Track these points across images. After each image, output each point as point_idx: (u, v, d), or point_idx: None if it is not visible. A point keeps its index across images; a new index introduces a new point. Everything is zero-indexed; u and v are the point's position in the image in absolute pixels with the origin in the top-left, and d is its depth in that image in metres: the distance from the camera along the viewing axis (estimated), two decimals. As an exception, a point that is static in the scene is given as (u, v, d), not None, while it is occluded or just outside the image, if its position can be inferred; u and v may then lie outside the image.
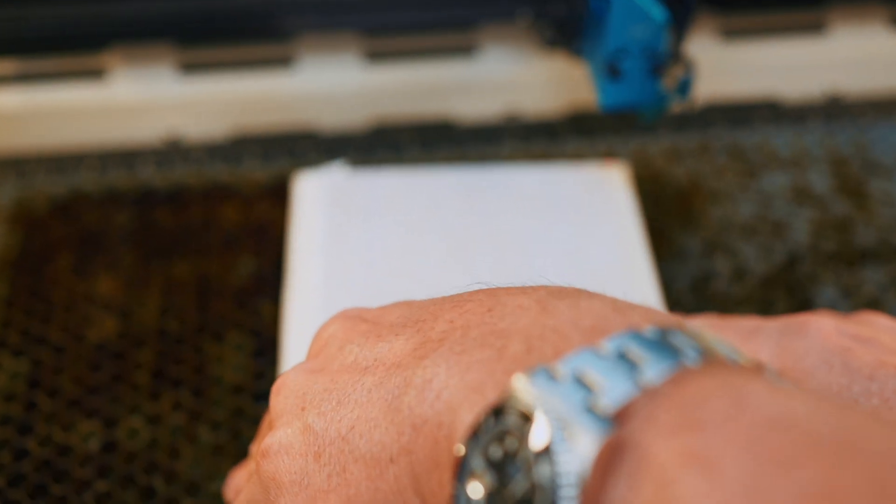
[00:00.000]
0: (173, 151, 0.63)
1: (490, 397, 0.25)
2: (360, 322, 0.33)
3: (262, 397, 0.50)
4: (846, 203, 0.60)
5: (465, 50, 0.66)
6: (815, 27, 0.68)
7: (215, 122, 0.65)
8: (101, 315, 0.53)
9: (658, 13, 0.51)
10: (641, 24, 0.51)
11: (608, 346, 0.24)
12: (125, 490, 0.46)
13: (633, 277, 0.53)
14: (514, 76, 0.66)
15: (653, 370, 0.23)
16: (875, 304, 0.54)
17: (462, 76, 0.65)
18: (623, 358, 0.24)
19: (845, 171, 0.62)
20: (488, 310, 0.29)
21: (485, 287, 0.31)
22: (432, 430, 0.26)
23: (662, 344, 0.24)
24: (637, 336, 0.25)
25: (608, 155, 0.63)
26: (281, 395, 0.33)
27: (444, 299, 0.32)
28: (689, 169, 0.62)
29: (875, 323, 0.40)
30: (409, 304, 0.34)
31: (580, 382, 0.23)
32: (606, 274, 0.53)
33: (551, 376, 0.24)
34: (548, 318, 0.27)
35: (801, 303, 0.55)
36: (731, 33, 0.67)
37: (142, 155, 0.63)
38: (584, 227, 0.55)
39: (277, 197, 0.60)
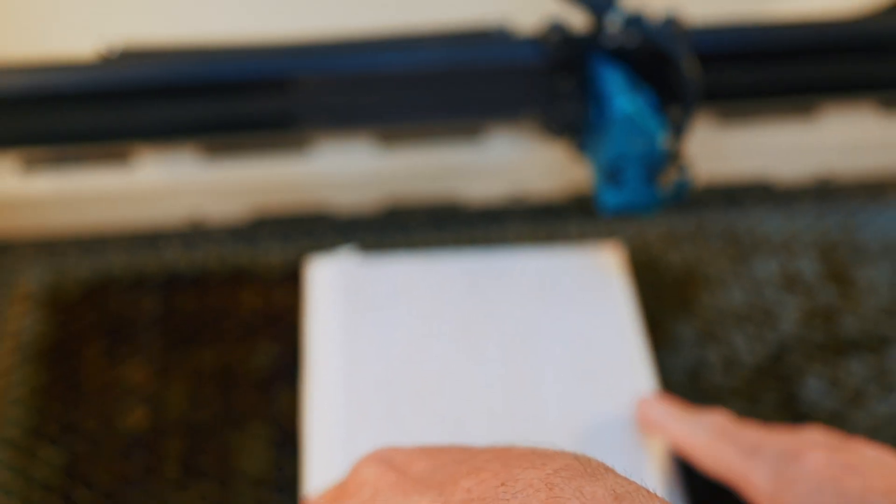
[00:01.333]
0: (196, 233, 0.67)
1: None
2: (389, 469, 0.37)
3: (283, 489, 0.53)
4: (833, 290, 0.64)
5: (471, 134, 0.69)
6: (807, 114, 0.71)
7: (235, 204, 0.68)
8: (131, 403, 0.57)
9: (655, 126, 0.54)
10: (640, 136, 0.55)
11: None
12: (157, 582, 0.50)
13: (630, 363, 0.57)
14: (519, 159, 0.69)
15: None
16: (859, 395, 0.58)
17: (469, 160, 0.69)
18: None
19: (833, 257, 0.66)
20: (502, 483, 0.33)
21: (500, 451, 0.35)
22: None
23: None
24: None
25: (609, 234, 0.67)
26: None
27: (464, 457, 0.35)
28: (685, 254, 0.66)
29: (862, 453, 0.45)
30: (430, 454, 0.37)
31: None
32: (604, 358, 0.57)
33: None
34: (554, 501, 0.31)
35: (789, 396, 0.58)
36: (728, 118, 0.71)
37: (165, 237, 0.67)
38: (582, 310, 0.59)
39: (293, 280, 0.64)
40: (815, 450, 0.45)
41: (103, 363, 0.59)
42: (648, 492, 0.31)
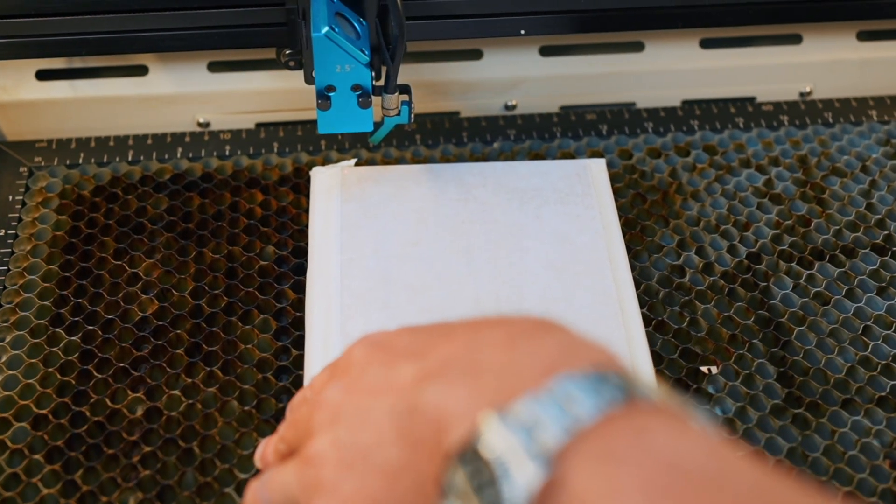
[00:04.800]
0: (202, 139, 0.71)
1: (469, 426, 0.33)
2: (378, 347, 0.41)
3: (283, 374, 0.58)
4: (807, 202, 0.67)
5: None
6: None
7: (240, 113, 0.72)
8: (142, 295, 0.61)
9: (353, 51, 0.58)
10: (339, 59, 0.58)
11: (551, 388, 0.32)
12: (167, 453, 0.54)
13: (609, 260, 0.60)
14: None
15: (584, 412, 0.31)
16: (824, 298, 0.62)
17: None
18: (561, 399, 0.31)
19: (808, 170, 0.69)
20: (470, 344, 0.36)
21: (473, 321, 0.39)
22: (429, 448, 0.34)
23: (596, 386, 0.32)
24: (574, 379, 0.32)
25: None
26: (320, 410, 0.40)
27: (440, 329, 0.39)
28: (668, 167, 0.69)
29: None
30: (413, 331, 0.41)
31: (529, 423, 0.31)
32: (585, 258, 0.61)
33: (508, 415, 0.31)
34: (512, 354, 0.35)
35: (760, 298, 0.62)
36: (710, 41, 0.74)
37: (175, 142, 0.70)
38: (565, 215, 0.63)
39: (295, 186, 0.67)
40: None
41: (116, 257, 0.63)
42: (599, 344, 0.35)
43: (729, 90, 0.75)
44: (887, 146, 0.71)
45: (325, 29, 0.56)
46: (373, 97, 0.60)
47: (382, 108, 0.61)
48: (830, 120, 0.73)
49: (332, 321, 0.57)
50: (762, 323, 0.61)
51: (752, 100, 0.75)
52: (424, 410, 0.35)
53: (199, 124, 0.72)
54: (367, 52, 0.58)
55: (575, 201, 0.64)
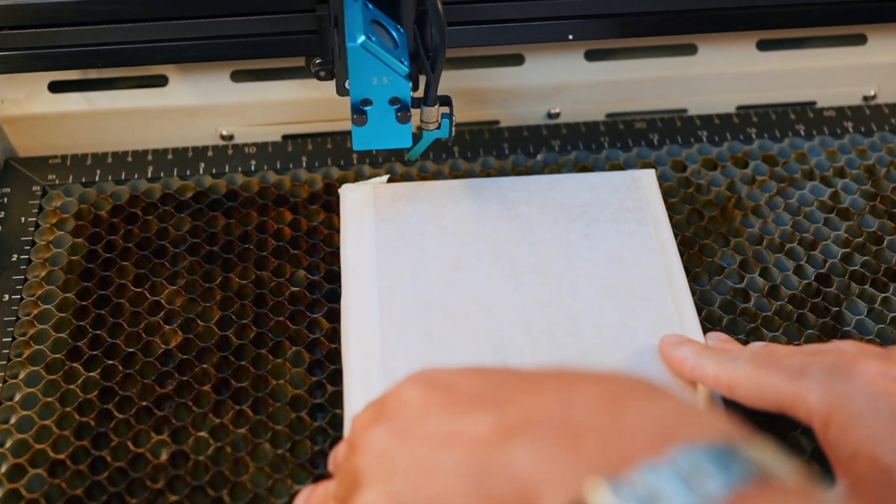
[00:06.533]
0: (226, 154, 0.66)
1: (569, 494, 0.28)
2: (436, 389, 0.37)
3: (318, 413, 0.53)
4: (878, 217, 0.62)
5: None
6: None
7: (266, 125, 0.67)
8: (165, 325, 0.57)
9: (393, 62, 0.52)
10: (377, 71, 0.53)
11: (672, 458, 0.28)
12: (195, 502, 0.50)
13: (668, 285, 0.56)
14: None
15: (714, 489, 0.27)
16: (901, 324, 0.57)
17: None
18: (686, 472, 0.27)
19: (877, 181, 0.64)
20: (563, 400, 0.32)
21: (556, 371, 0.35)
22: None
23: (724, 460, 0.27)
24: (698, 451, 0.28)
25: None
26: (366, 455, 0.36)
27: (517, 377, 0.35)
28: (725, 180, 0.65)
29: None
30: (480, 374, 0.37)
31: (647, 496, 0.27)
32: (641, 280, 0.56)
33: (622, 485, 0.27)
34: (617, 416, 0.30)
35: (833, 324, 0.57)
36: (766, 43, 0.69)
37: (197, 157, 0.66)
38: (618, 232, 0.58)
39: (325, 204, 0.63)
40: (864, 360, 0.43)
41: (137, 283, 0.59)
42: (709, 411, 0.31)
43: (787, 94, 0.70)
44: (960, 154, 0.66)
45: (362, 38, 0.52)
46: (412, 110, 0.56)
47: (421, 121, 0.57)
48: (898, 126, 0.68)
49: (371, 355, 0.52)
50: (835, 352, 0.56)
51: (812, 104, 0.70)
52: (508, 471, 0.31)
53: (223, 137, 0.68)
54: (405, 63, 0.53)
55: (626, 217, 0.59)
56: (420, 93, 0.56)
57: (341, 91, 0.59)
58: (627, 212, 0.59)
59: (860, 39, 0.69)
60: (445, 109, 0.57)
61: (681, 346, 0.50)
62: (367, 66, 0.53)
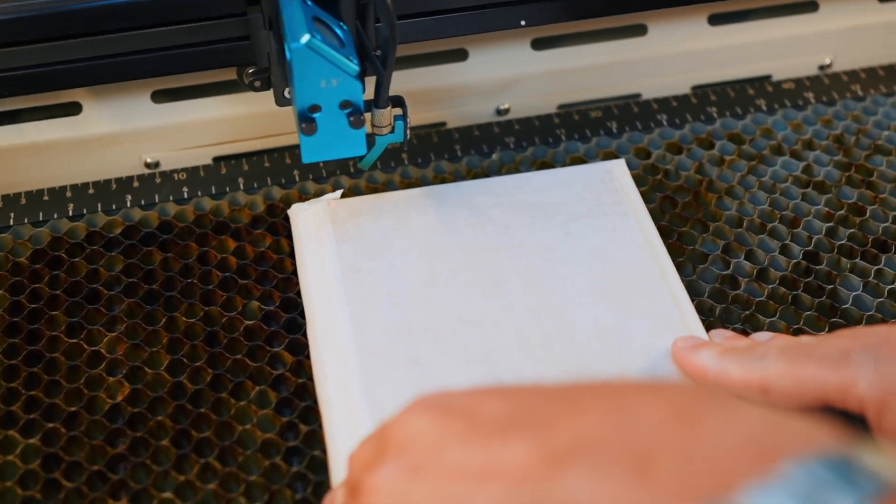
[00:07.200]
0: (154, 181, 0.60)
1: None
2: (450, 415, 0.32)
3: (293, 457, 0.48)
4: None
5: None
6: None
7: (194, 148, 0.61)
8: (109, 377, 0.51)
9: (342, 62, 0.48)
10: (324, 73, 0.47)
11: (784, 475, 0.23)
12: (167, 575, 0.44)
13: (660, 278, 0.52)
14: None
15: None
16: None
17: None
18: (805, 491, 0.23)
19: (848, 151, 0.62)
20: (617, 419, 0.28)
21: (602, 381, 0.30)
22: None
23: (845, 473, 0.23)
24: (813, 466, 0.23)
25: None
26: (375, 498, 0.31)
27: (556, 394, 0.30)
28: (694, 163, 0.61)
29: None
30: (501, 394, 0.32)
31: None
32: (632, 275, 0.52)
33: None
34: (695, 436, 0.26)
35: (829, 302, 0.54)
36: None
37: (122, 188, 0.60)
38: (598, 228, 0.54)
39: (270, 226, 0.57)
40: None
41: (70, 334, 0.52)
42: (797, 414, 0.27)
43: (743, 70, 0.67)
44: (926, 115, 0.64)
45: (307, 37, 0.46)
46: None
47: (373, 125, 0.52)
48: (860, 93, 0.65)
49: (353, 389, 0.47)
50: (837, 332, 0.52)
51: (768, 78, 0.67)
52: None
53: (148, 165, 0.62)
54: (354, 62, 0.48)
55: (606, 211, 0.55)
56: (370, 95, 0.51)
57: (281, 101, 0.53)
58: (606, 206, 0.55)
59: (812, 7, 0.66)
60: (398, 111, 0.52)
61: (697, 351, 0.45)
62: (313, 68, 0.47)
